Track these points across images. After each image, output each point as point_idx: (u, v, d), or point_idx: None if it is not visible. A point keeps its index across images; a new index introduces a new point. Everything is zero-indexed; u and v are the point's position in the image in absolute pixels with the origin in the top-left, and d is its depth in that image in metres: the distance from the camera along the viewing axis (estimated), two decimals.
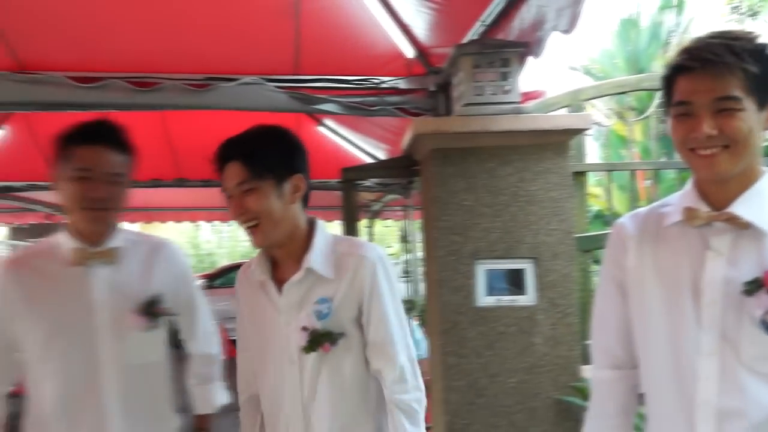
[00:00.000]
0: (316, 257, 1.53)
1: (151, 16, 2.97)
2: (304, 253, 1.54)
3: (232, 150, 1.53)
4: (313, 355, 1.52)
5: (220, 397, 2.09)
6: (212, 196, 8.61)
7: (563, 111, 2.76)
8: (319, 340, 1.50)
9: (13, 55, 3.01)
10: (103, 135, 1.76)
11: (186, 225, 11.57)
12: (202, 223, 11.07)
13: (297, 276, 1.53)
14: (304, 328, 1.51)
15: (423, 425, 1.54)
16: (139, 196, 8.58)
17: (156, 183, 6.58)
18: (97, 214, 1.73)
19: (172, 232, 16.10)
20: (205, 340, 2.05)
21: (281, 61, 3.25)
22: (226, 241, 22.35)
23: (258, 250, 1.61)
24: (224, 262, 19.18)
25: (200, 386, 2.06)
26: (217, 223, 12.18)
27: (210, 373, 2.07)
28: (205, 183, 6.71)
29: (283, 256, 1.58)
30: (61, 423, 1.72)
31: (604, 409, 1.37)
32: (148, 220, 10.03)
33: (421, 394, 1.56)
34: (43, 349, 1.75)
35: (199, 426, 2.06)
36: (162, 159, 6.05)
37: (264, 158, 1.50)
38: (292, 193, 1.53)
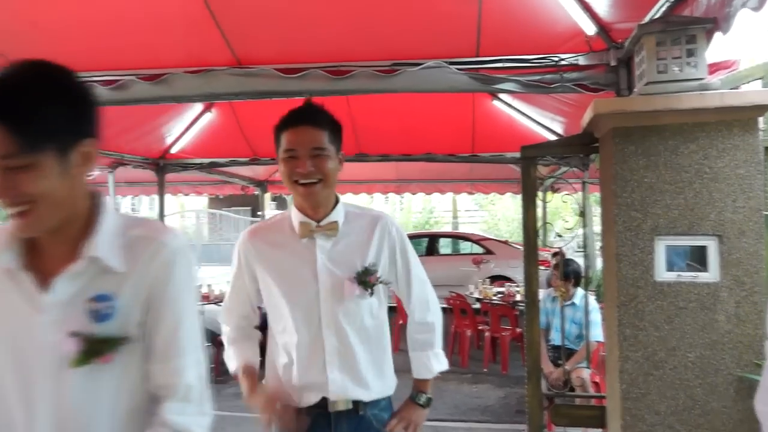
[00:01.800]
0: (102, 242, 1.19)
1: (345, 11, 3.28)
2: (84, 236, 1.19)
3: None
4: (81, 370, 1.16)
5: (439, 363, 2.16)
6: (388, 169, 9.06)
7: (756, 84, 2.65)
8: (96, 348, 1.16)
9: (232, 53, 3.49)
10: (304, 115, 1.91)
11: (362, 197, 12.14)
12: (376, 195, 11.56)
13: (76, 266, 1.17)
14: (75, 333, 1.16)
15: None
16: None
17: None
18: (307, 189, 1.88)
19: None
20: (421, 308, 2.13)
21: (463, 45, 3.42)
22: (399, 212, 23.18)
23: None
24: None
25: (418, 352, 2.15)
26: (391, 195, 12.68)
27: (428, 340, 2.14)
28: (383, 158, 7.10)
29: (50, 240, 1.20)
30: (293, 367, 1.97)
31: None
32: None
33: (206, 420, 1.25)
34: (274, 309, 2.02)
35: (419, 390, 2.14)
36: (345, 135, 6.47)
37: (42, 121, 1.06)
38: (81, 165, 1.16)
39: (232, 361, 2.11)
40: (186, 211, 23.94)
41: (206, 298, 7.66)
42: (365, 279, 1.93)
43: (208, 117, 6.62)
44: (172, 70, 3.57)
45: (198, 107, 6.34)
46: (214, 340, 6.58)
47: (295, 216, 1.98)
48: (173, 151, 7.39)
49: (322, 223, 1.95)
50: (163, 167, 7.77)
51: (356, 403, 1.96)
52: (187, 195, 11.67)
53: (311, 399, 1.95)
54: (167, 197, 8.52)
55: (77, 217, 1.20)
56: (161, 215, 8.60)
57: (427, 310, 2.14)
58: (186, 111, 6.34)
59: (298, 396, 1.97)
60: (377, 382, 2.01)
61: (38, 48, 3.68)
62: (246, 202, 21.46)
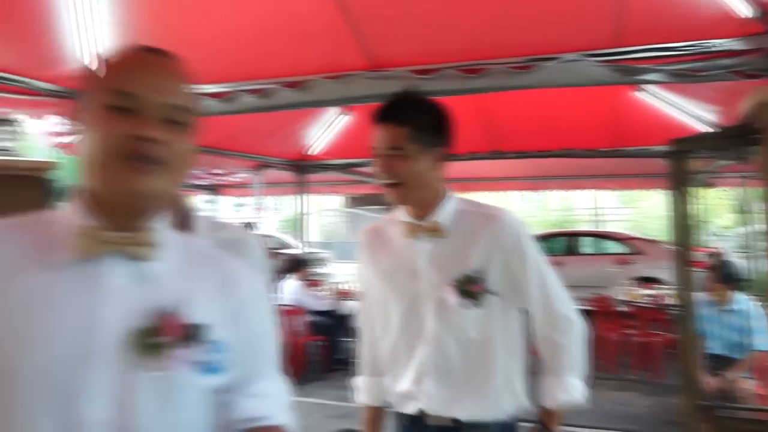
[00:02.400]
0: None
1: (479, 8, 3.24)
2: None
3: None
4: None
5: (566, 393, 1.75)
6: (523, 166, 8.87)
7: None
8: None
9: (368, 56, 3.56)
10: (383, 112, 1.81)
11: (497, 195, 11.96)
12: (511, 193, 11.34)
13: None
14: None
15: None
16: (455, 167, 9.26)
17: (472, 156, 7.01)
18: (390, 190, 1.75)
19: (485, 201, 16.71)
20: (547, 324, 1.78)
21: (603, 35, 3.26)
22: (535, 210, 22.61)
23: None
24: (535, 231, 19.38)
25: (545, 375, 1.81)
26: (526, 192, 12.39)
27: (558, 364, 1.77)
28: (518, 155, 6.94)
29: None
30: (390, 366, 1.88)
31: None
32: (464, 190, 10.63)
33: None
34: (380, 307, 1.90)
35: (542, 420, 1.81)
36: (478, 133, 6.42)
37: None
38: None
39: (363, 394, 2.00)
40: (324, 210, 24.86)
41: (345, 294, 7.89)
42: (467, 288, 1.71)
43: (345, 119, 6.83)
44: (312, 76, 3.71)
45: (335, 110, 6.56)
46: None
47: (402, 214, 1.86)
48: (312, 152, 7.70)
49: (425, 222, 1.79)
50: (303, 168, 8.13)
51: (457, 422, 1.75)
52: (325, 195, 12.11)
53: (408, 409, 1.82)
54: (307, 197, 8.89)
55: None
56: (302, 214, 9.00)
57: (555, 328, 1.76)
58: (324, 114, 6.59)
59: (397, 403, 1.87)
60: (482, 403, 1.76)
61: (191, 60, 3.96)
62: (381, 201, 21.84)
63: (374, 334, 1.96)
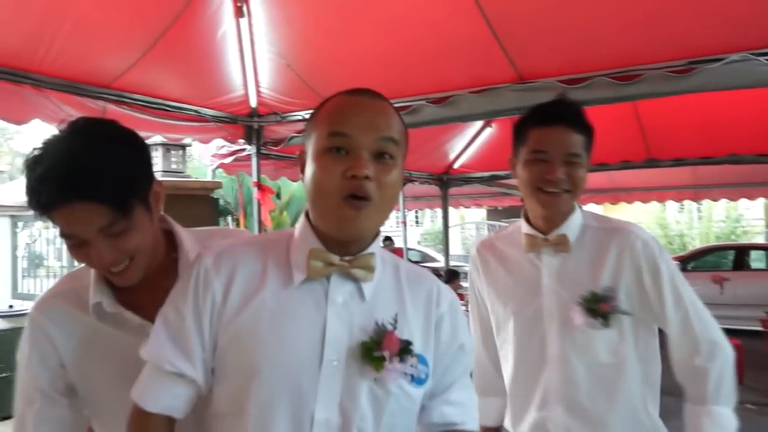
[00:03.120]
0: None
1: (632, 13, 3.11)
2: (170, 265, 1.26)
3: (80, 187, 1.06)
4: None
5: (715, 425, 1.55)
6: (682, 174, 8.32)
7: None
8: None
9: (514, 68, 3.54)
10: (560, 114, 1.67)
11: (653, 205, 11.31)
12: (669, 203, 10.66)
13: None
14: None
15: None
16: (603, 177, 8.92)
17: (625, 165, 6.70)
18: (552, 198, 1.62)
19: (637, 212, 15.94)
20: (686, 347, 1.59)
21: None
22: (696, 221, 21.03)
23: None
24: (696, 243, 18.09)
25: (689, 404, 1.61)
26: (686, 202, 11.60)
27: (703, 391, 1.57)
28: (677, 162, 6.55)
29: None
30: (510, 399, 1.79)
31: None
32: (614, 201, 10.22)
33: None
34: (497, 326, 1.81)
35: None
36: (632, 141, 6.13)
37: (128, 185, 1.11)
38: (156, 206, 1.21)
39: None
40: (466, 222, 24.79)
41: None
42: (594, 306, 1.58)
43: (488, 132, 6.81)
44: (458, 92, 3.75)
45: (478, 124, 6.56)
46: None
47: (524, 227, 1.74)
48: (456, 166, 7.75)
49: (550, 236, 1.68)
50: (446, 182, 8.20)
51: None
52: (467, 207, 12.08)
53: None
54: (449, 210, 8.93)
55: (159, 251, 1.26)
56: (445, 227, 9.05)
57: (696, 352, 1.57)
58: (467, 128, 6.61)
59: (517, 427, 1.76)
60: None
61: (342, 83, 4.15)
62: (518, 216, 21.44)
63: (488, 355, 1.89)
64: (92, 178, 1.03)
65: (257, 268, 1.09)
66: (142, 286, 1.20)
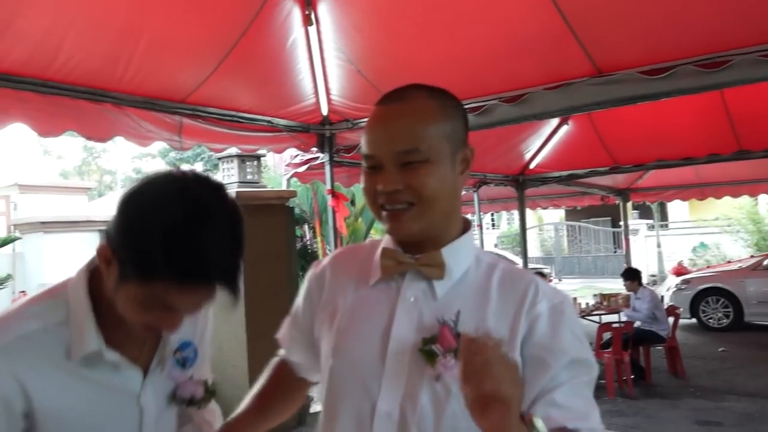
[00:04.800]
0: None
1: None
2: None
3: (225, 274, 1.03)
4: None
5: None
6: None
7: None
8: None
9: (591, 61, 3.39)
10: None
11: (744, 199, 10.72)
12: (762, 197, 10.08)
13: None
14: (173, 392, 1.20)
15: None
16: (690, 171, 8.51)
17: (713, 158, 6.37)
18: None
19: (727, 207, 15.11)
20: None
21: None
22: None
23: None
24: None
25: None
26: None
27: None
28: None
29: None
30: None
31: None
32: (702, 196, 9.76)
33: None
34: None
35: None
36: (720, 132, 5.82)
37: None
38: None
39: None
40: (544, 224, 24.24)
41: None
42: None
43: (565, 130, 6.61)
44: (532, 89, 3.63)
45: (554, 121, 6.38)
46: None
47: None
48: (532, 166, 7.57)
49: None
50: (522, 183, 8.02)
51: None
52: (545, 208, 11.80)
53: None
54: (526, 211, 8.74)
55: None
56: (522, 229, 8.86)
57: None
58: (543, 127, 6.44)
59: None
60: None
61: None
62: (605, 213, 20.78)
63: None
64: (236, 271, 1.01)
65: (349, 270, 1.20)
66: (124, 325, 1.06)
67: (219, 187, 1.04)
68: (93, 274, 1.10)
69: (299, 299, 1.28)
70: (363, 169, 1.11)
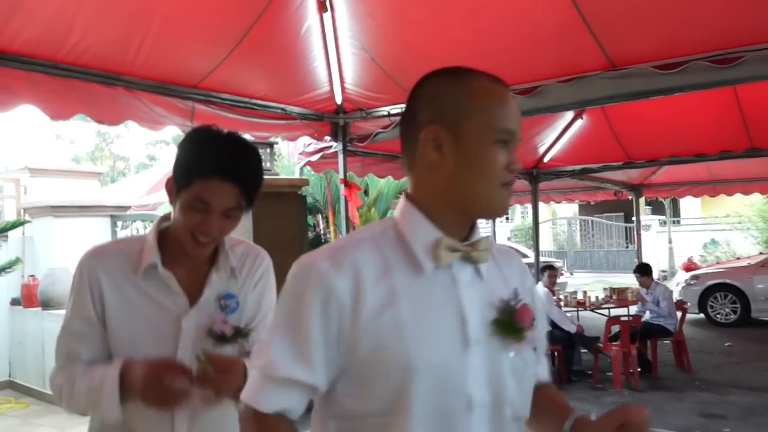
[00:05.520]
0: (232, 258, 1.54)
1: None
2: (213, 254, 1.52)
3: (236, 173, 1.39)
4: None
5: None
6: None
7: None
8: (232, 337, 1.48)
9: (605, 55, 3.40)
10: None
11: (755, 197, 10.66)
12: None
13: (218, 275, 1.52)
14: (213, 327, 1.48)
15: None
16: (702, 168, 8.47)
17: (725, 155, 6.36)
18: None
19: (738, 204, 15.02)
20: None
21: None
22: None
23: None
24: None
25: None
26: None
27: None
28: None
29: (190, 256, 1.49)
30: None
31: None
32: (714, 193, 9.74)
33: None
34: None
35: None
36: (732, 129, 5.79)
37: (255, 189, 1.45)
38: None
39: None
40: (557, 218, 24.13)
41: (581, 305, 7.57)
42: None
43: (579, 124, 6.59)
44: (545, 81, 3.64)
45: (569, 115, 6.36)
46: (590, 346, 6.50)
47: None
48: (545, 159, 7.55)
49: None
50: (536, 176, 8.01)
51: None
52: (558, 203, 11.77)
53: None
54: (539, 205, 8.73)
55: None
56: (535, 222, 8.85)
57: None
58: (557, 120, 6.42)
59: None
60: None
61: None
62: (618, 208, 20.69)
63: None
64: (251, 173, 1.41)
65: (380, 265, 1.07)
66: (186, 266, 1.47)
67: (236, 135, 1.45)
68: (161, 225, 1.50)
69: (297, 313, 1.06)
70: (492, 142, 1.06)
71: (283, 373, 1.04)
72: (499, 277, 1.16)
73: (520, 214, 26.46)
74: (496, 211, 1.13)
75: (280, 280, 4.51)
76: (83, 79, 3.10)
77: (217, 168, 1.35)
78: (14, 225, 6.26)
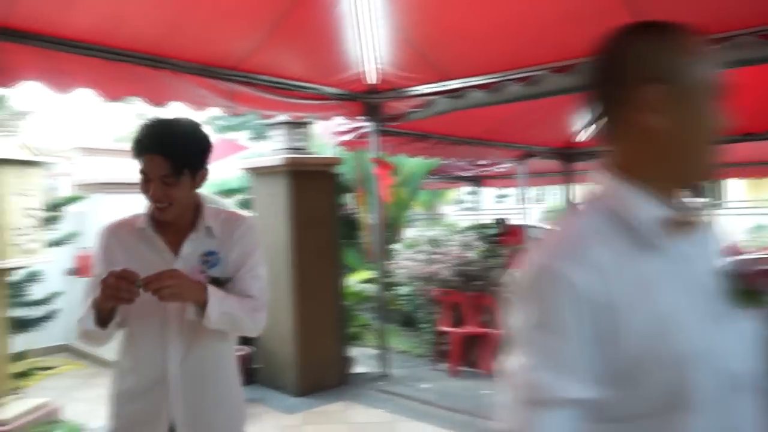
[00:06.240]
0: (209, 219, 1.82)
1: None
2: (196, 218, 1.82)
3: (156, 143, 1.69)
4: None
5: None
6: None
7: None
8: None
9: None
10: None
11: None
12: None
13: (196, 233, 1.80)
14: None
15: (241, 326, 1.77)
16: (749, 149, 8.20)
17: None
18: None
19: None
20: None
21: None
22: None
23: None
24: None
25: None
26: None
27: None
28: None
29: (174, 220, 1.79)
30: None
31: None
32: (763, 174, 9.43)
33: (258, 315, 1.79)
34: None
35: None
36: None
37: (185, 156, 1.71)
38: (200, 182, 1.79)
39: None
40: None
41: None
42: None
43: None
44: (581, 59, 3.56)
45: None
46: None
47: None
48: (579, 139, 7.42)
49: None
50: (570, 156, 7.86)
51: None
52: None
53: None
54: (573, 186, 8.59)
55: (189, 212, 1.81)
56: (569, 204, 8.71)
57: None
58: None
59: None
60: None
61: (460, 55, 4.10)
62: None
63: None
64: (172, 144, 1.69)
65: (615, 253, 0.96)
66: (171, 229, 1.79)
67: (170, 117, 1.75)
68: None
69: (562, 326, 0.93)
70: (710, 100, 0.98)
71: (553, 394, 0.92)
72: (704, 243, 1.04)
73: (553, 195, 26.12)
74: (707, 175, 1.03)
75: (317, 253, 4.61)
76: (135, 63, 3.26)
77: (145, 144, 1.68)
78: (71, 200, 6.53)
